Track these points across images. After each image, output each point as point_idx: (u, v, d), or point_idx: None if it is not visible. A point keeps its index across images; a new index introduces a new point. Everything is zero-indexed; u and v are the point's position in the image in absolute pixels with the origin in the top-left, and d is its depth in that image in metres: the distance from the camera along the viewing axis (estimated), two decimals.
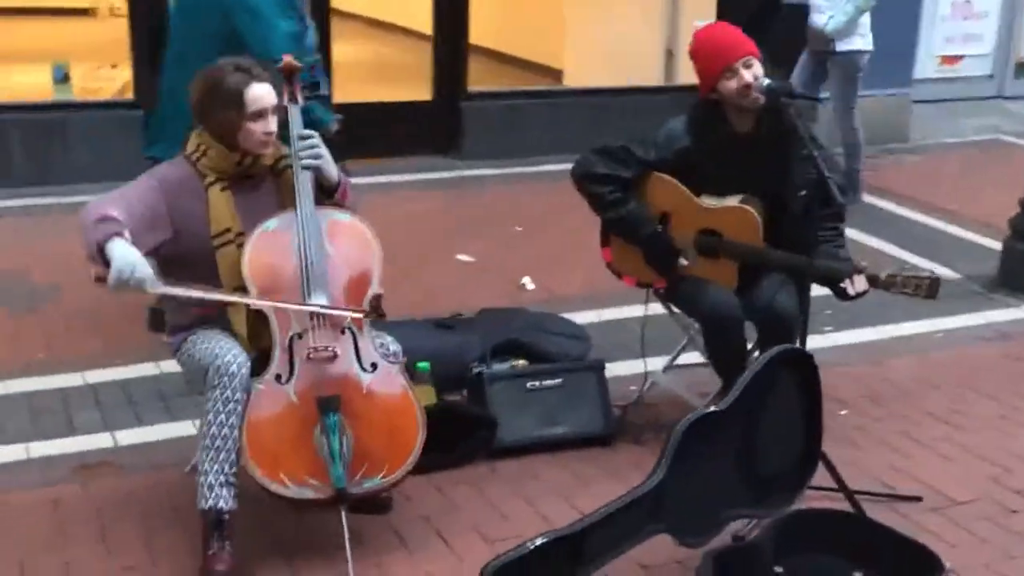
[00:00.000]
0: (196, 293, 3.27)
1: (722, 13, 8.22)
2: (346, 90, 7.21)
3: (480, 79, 8.48)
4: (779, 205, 3.97)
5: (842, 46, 6.92)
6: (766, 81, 3.80)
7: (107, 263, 3.05)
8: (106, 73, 8.28)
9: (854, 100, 7.16)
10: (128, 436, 4.09)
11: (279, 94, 3.50)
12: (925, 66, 9.68)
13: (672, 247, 4.03)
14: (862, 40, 6.97)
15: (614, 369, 4.49)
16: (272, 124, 3.39)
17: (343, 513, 3.27)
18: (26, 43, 9.81)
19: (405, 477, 3.38)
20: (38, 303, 5.23)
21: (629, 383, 4.48)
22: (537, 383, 4.14)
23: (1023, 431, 4.35)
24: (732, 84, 3.85)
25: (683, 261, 4.01)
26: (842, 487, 3.53)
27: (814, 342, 5.05)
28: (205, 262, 3.37)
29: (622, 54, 9.42)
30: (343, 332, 3.35)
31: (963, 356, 5.05)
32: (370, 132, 7.28)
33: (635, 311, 4.51)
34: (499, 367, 4.28)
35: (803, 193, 3.91)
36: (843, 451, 4.09)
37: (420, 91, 8.23)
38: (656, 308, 4.24)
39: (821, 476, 3.82)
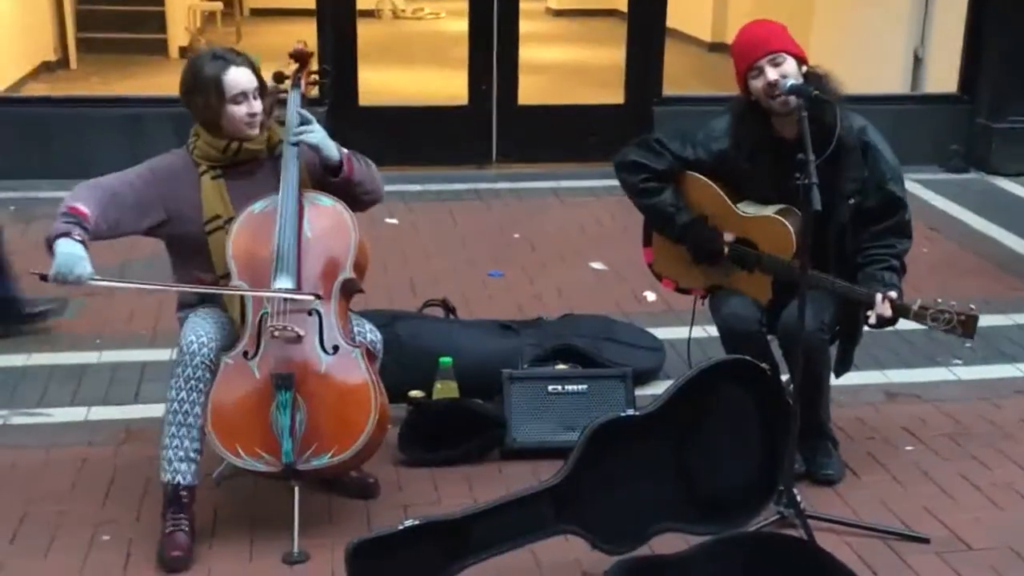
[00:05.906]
0: (131, 285, 3.56)
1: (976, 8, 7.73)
2: None
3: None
4: (826, 216, 3.72)
5: None
6: (790, 81, 3.57)
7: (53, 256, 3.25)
8: None
9: None
10: None
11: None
12: None
13: (715, 232, 3.83)
14: None
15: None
16: (255, 106, 3.51)
17: (295, 488, 3.38)
18: None
19: (356, 459, 3.42)
20: None
21: None
22: (559, 387, 4.07)
23: None
24: (758, 83, 3.63)
25: (728, 237, 3.82)
26: (799, 514, 3.27)
27: (936, 375, 4.74)
28: (201, 245, 3.55)
29: (863, 59, 8.54)
30: (309, 314, 3.43)
31: None
32: None
33: None
34: (537, 370, 4.23)
35: (851, 201, 3.68)
36: (883, 486, 3.85)
37: None
38: None
39: (825, 505, 3.60)
